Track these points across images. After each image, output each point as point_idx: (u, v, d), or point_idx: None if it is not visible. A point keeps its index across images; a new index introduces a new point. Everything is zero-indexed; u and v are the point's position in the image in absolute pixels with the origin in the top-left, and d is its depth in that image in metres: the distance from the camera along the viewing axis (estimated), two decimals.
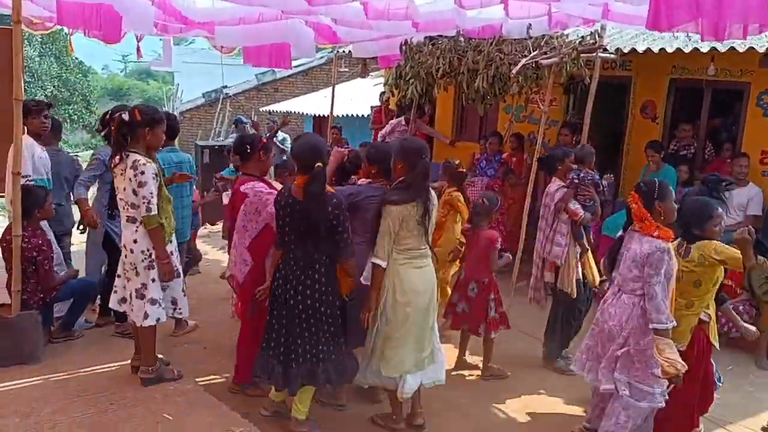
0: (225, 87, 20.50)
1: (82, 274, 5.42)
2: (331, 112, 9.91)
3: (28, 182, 4.84)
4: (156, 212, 4.04)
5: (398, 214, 3.60)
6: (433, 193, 3.79)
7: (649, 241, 3.49)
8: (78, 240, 6.12)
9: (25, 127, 4.94)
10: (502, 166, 7.87)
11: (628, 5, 5.32)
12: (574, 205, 4.84)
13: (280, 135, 10.45)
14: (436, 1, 6.26)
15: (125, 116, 4.01)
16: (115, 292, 4.32)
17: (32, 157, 5.06)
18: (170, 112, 8.51)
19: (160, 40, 8.69)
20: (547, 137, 7.63)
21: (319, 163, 3.49)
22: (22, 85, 4.51)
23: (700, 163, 7.09)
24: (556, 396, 4.67)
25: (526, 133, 8.18)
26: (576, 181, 4.97)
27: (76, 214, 5.50)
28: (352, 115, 13.41)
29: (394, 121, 9.06)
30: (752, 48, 5.96)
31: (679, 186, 6.34)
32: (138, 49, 7.82)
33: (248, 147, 4.30)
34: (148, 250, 4.10)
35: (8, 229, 4.75)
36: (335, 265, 3.64)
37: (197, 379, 4.47)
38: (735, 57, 6.16)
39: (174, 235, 4.36)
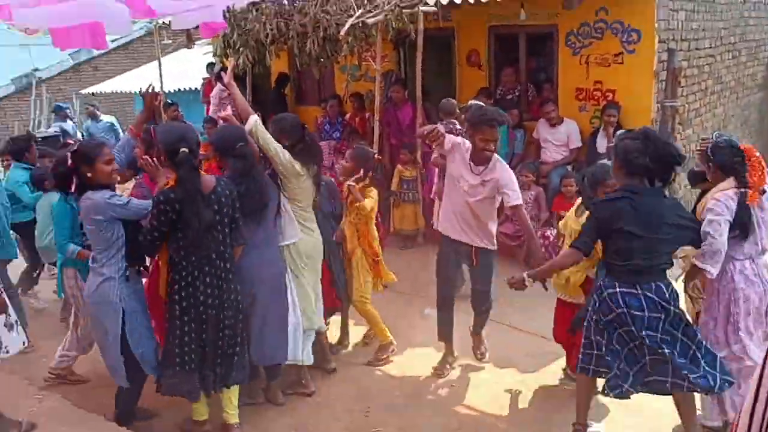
0: (36, 70, 18.58)
1: None
2: (161, 89, 9.39)
3: None
4: None
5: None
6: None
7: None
8: None
9: None
10: (345, 127, 7.94)
11: None
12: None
13: (105, 119, 9.76)
14: None
15: None
16: None
17: None
18: None
19: None
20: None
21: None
22: None
23: (525, 105, 7.61)
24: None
25: (364, 91, 8.28)
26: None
27: None
28: (183, 89, 12.78)
29: (215, 92, 8.65)
30: None
31: (509, 129, 6.78)
32: None
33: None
34: None
35: None
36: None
37: None
38: (541, 1, 6.58)
39: None
